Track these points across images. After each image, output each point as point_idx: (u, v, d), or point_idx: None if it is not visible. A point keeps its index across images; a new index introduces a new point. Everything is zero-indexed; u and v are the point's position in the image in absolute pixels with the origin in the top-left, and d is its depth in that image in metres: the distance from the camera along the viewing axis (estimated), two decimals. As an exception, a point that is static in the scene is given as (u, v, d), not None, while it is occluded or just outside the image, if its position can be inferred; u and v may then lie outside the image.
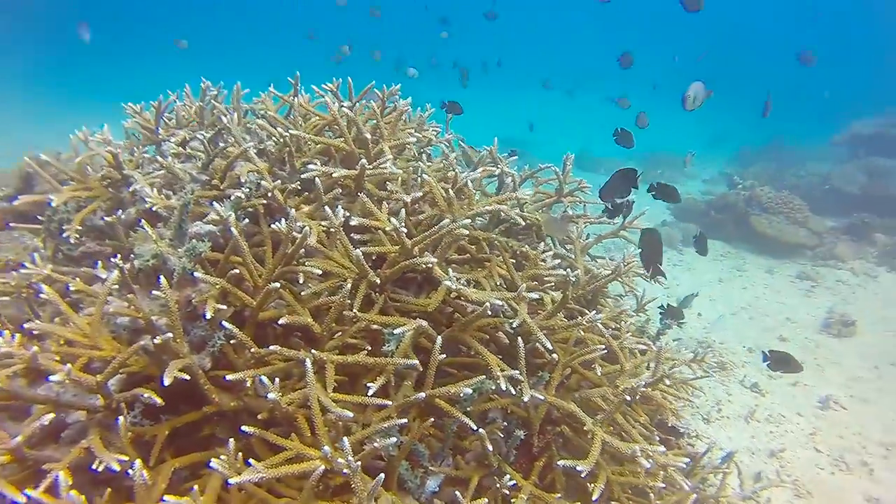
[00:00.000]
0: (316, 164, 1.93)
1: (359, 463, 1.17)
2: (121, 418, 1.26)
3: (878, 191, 9.17)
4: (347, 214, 1.71)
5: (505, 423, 1.73)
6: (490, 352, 1.64)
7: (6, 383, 1.12)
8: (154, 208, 1.70)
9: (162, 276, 1.39)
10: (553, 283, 2.06)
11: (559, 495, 1.72)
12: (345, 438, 1.18)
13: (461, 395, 1.44)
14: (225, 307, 1.46)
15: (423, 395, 1.45)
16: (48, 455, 1.18)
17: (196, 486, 1.14)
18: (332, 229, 1.63)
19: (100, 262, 1.79)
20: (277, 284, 1.45)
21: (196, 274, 1.44)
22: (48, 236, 2.24)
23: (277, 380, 1.29)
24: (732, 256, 7.55)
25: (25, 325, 1.24)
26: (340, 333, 1.61)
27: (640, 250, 2.35)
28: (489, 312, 1.61)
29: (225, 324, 1.40)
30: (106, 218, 1.81)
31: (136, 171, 2.01)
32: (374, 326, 1.62)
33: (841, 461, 3.16)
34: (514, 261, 2.11)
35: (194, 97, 2.52)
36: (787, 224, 7.87)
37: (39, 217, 2.45)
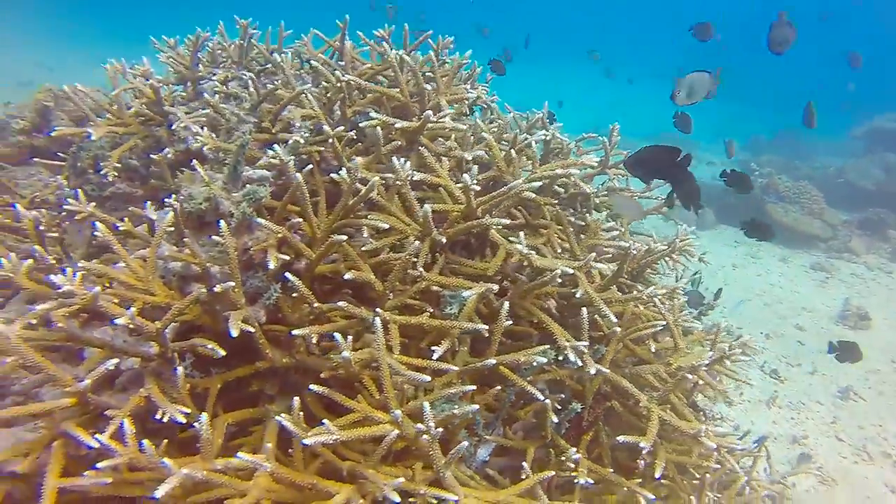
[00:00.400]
0: (371, 113, 1.81)
1: (440, 430, 1.10)
2: (179, 369, 1.18)
3: (894, 187, 9.09)
4: (414, 169, 1.60)
5: (562, 395, 1.66)
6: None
7: (65, 323, 1.03)
8: (204, 148, 1.58)
9: (222, 221, 1.29)
10: (611, 255, 1.97)
11: (611, 470, 1.68)
12: (425, 403, 1.10)
13: (533, 363, 1.36)
14: (287, 257, 1.37)
15: (492, 361, 1.37)
16: (105, 401, 1.10)
17: (269, 444, 1.07)
18: (397, 182, 1.52)
19: (141, 204, 1.69)
20: (343, 237, 1.35)
21: (258, 220, 1.34)
22: (73, 174, 2.12)
23: (350, 338, 1.21)
24: (746, 243, 7.49)
25: (79, 265, 1.14)
26: (398, 294, 1.52)
27: (674, 190, 2.28)
28: (558, 280, 1.52)
29: (289, 276, 1.30)
30: (153, 156, 1.69)
31: (177, 109, 1.88)
32: (434, 288, 1.53)
33: (863, 451, 3.15)
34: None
35: (229, 37, 2.37)
36: (803, 214, 7.80)
37: (59, 154, 2.33)
